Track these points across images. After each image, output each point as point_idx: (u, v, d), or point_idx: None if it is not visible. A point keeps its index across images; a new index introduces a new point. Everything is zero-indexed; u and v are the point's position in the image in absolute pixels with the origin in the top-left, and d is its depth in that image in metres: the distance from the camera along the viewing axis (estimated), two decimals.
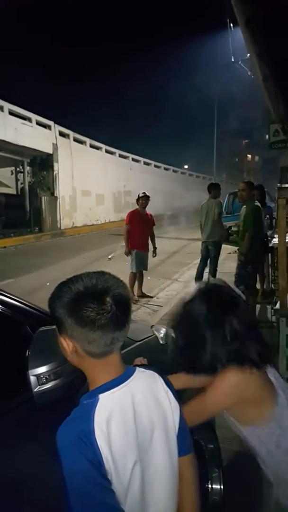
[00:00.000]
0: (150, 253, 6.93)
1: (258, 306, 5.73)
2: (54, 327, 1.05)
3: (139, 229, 6.71)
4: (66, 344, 1.02)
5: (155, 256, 7.04)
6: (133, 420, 1.03)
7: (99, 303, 0.97)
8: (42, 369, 1.27)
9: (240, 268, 5.25)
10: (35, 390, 1.26)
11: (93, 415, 0.97)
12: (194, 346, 1.38)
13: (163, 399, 1.12)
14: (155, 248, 6.95)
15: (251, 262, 5.25)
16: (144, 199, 6.80)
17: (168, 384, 1.17)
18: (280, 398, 1.42)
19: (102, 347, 0.99)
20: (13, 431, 1.23)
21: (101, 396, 1.01)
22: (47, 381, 1.27)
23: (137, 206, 6.95)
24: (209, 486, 2.05)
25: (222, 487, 2.06)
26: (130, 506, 1.01)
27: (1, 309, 1.42)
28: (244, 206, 5.43)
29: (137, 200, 6.92)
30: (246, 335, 1.37)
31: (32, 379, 1.25)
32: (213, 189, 6.94)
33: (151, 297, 6.81)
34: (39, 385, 1.26)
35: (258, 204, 5.49)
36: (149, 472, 1.05)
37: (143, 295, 6.80)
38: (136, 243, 6.67)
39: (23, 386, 1.29)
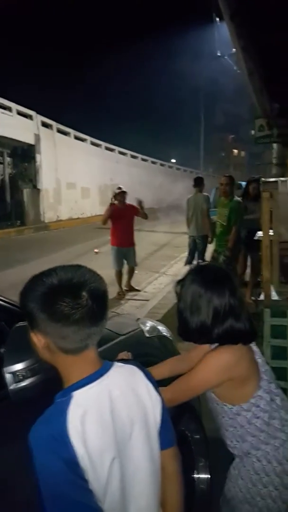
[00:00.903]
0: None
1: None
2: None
3: (119, 224, 6.46)
4: (37, 340, 0.99)
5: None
6: (110, 416, 1.00)
7: (74, 297, 0.94)
8: (18, 366, 1.23)
9: (226, 264, 5.25)
10: (11, 387, 1.22)
11: (66, 413, 0.94)
12: (185, 313, 1.43)
13: (143, 393, 1.10)
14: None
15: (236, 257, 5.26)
16: (120, 196, 6.49)
17: (149, 377, 1.15)
18: (262, 382, 1.45)
19: (76, 342, 0.96)
20: None
21: (74, 393, 0.98)
22: (23, 379, 1.24)
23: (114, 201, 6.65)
24: (196, 476, 2.07)
25: (209, 476, 2.07)
26: (109, 504, 0.98)
27: None
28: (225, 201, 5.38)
29: (114, 196, 6.62)
30: (238, 310, 1.40)
31: (8, 376, 1.22)
32: (198, 182, 6.95)
33: (139, 290, 6.75)
34: (15, 382, 1.23)
35: (239, 199, 5.48)
36: (129, 468, 1.04)
37: (131, 289, 6.70)
38: (115, 240, 6.48)
39: None
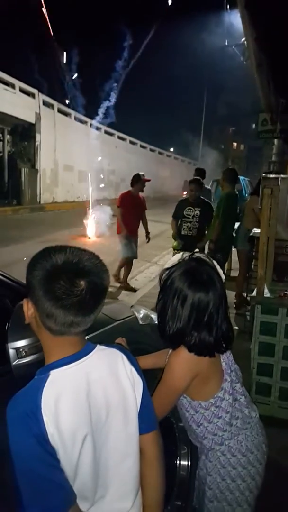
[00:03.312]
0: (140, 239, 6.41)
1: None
2: None
3: (131, 213, 6.15)
4: (27, 307, 1.02)
5: (148, 241, 6.50)
6: (86, 398, 1.00)
7: (71, 283, 0.94)
8: (22, 343, 1.25)
9: (210, 257, 5.26)
10: (14, 363, 1.25)
11: (41, 391, 0.96)
12: (164, 314, 1.38)
13: (123, 377, 1.10)
14: (148, 233, 6.43)
15: (220, 250, 5.25)
16: (143, 184, 6.07)
17: (132, 361, 1.15)
18: (225, 383, 1.44)
19: (58, 325, 0.96)
20: None
21: (52, 372, 0.99)
22: (26, 355, 1.26)
23: (130, 188, 6.24)
24: (177, 462, 2.11)
25: (189, 463, 2.13)
26: (80, 484, 1.00)
27: None
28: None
29: (135, 181, 6.14)
30: (216, 322, 1.35)
31: (11, 352, 1.24)
32: (200, 174, 6.92)
33: (135, 291, 6.26)
34: (18, 358, 1.25)
35: (236, 192, 5.47)
36: (103, 450, 1.04)
37: (127, 287, 6.30)
38: (129, 228, 6.11)
39: (0, 359, 1.27)
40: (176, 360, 1.38)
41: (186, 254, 1.44)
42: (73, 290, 0.93)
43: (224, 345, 1.40)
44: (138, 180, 6.12)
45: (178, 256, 1.46)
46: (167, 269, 1.42)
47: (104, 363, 1.08)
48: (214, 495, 1.51)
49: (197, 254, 1.45)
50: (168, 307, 1.36)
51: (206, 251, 5.36)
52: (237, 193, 5.53)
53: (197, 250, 1.50)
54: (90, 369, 1.03)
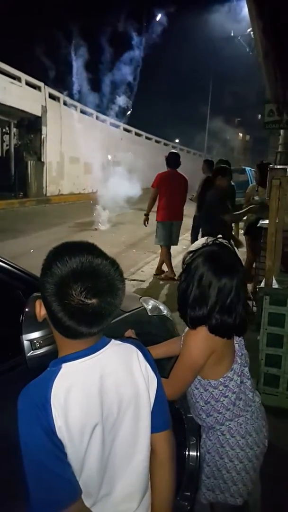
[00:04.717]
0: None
1: None
2: None
3: (169, 194, 5.76)
4: (39, 309, 1.01)
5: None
6: (98, 392, 0.99)
7: (84, 296, 0.91)
8: (36, 335, 1.27)
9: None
10: (28, 354, 1.26)
11: (52, 383, 0.95)
12: (187, 297, 1.42)
13: (138, 373, 1.08)
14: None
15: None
16: (175, 158, 5.77)
17: (148, 357, 1.13)
18: (235, 364, 1.49)
19: (71, 334, 0.96)
20: (4, 393, 1.24)
21: (64, 365, 0.99)
22: (40, 347, 1.28)
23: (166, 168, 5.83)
24: (186, 453, 2.14)
25: (198, 454, 2.15)
26: (85, 479, 0.99)
27: None
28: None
29: (168, 158, 5.81)
30: (236, 306, 1.40)
31: (26, 343, 1.26)
32: (209, 165, 6.96)
33: (174, 279, 5.95)
34: (32, 350, 1.27)
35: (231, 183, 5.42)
36: (112, 447, 1.03)
37: (162, 274, 6.08)
38: (163, 212, 5.81)
39: (15, 350, 1.29)
40: (194, 337, 1.42)
41: (210, 239, 1.48)
42: (87, 304, 0.91)
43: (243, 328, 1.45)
44: (168, 157, 5.82)
45: (202, 240, 1.49)
46: (191, 252, 1.45)
47: (118, 358, 1.06)
48: (211, 472, 1.55)
49: (219, 239, 1.48)
50: (192, 291, 1.40)
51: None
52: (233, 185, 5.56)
53: (220, 235, 1.52)
54: (103, 363, 1.02)
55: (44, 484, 0.93)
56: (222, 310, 1.38)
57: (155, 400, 1.11)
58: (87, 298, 0.91)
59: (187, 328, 1.47)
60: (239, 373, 1.50)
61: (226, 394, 1.48)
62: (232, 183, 5.86)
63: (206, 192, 5.02)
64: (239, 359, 1.51)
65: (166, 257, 6.11)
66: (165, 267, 6.33)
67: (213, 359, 1.44)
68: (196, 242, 1.50)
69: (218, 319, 1.38)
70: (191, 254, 1.45)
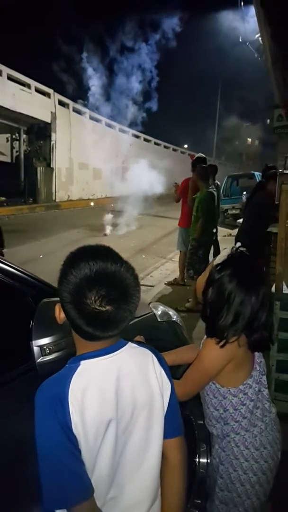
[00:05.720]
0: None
1: None
2: (56, 299, 1.03)
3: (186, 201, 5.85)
4: (59, 312, 1.03)
5: None
6: (114, 392, 1.00)
7: (99, 302, 0.94)
8: (46, 341, 1.27)
9: (191, 253, 5.26)
10: (38, 360, 1.27)
11: (70, 380, 0.97)
12: (217, 311, 1.40)
13: (152, 377, 1.08)
14: None
15: (203, 248, 5.27)
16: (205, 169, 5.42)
17: (162, 363, 1.13)
18: (254, 372, 1.48)
19: (85, 335, 0.98)
20: (15, 398, 1.24)
21: (83, 362, 1.00)
22: (50, 352, 1.28)
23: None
24: (197, 460, 2.13)
25: (208, 461, 2.13)
26: (95, 479, 0.98)
27: (5, 279, 1.41)
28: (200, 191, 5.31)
29: (194, 164, 5.67)
30: (259, 319, 1.39)
31: (36, 349, 1.26)
32: (214, 171, 6.90)
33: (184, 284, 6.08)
34: (42, 356, 1.27)
35: (212, 190, 5.37)
36: (124, 449, 1.03)
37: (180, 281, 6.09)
38: (187, 219, 5.82)
39: (25, 356, 1.29)
40: (214, 342, 1.40)
41: (235, 248, 1.47)
42: (102, 311, 0.93)
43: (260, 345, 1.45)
44: (195, 164, 5.68)
45: (227, 251, 1.48)
46: (218, 265, 1.43)
47: (134, 361, 1.07)
48: (225, 484, 1.53)
49: (241, 249, 1.47)
50: (224, 306, 1.38)
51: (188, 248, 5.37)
52: (214, 191, 5.47)
53: (239, 244, 1.51)
54: (120, 364, 1.02)
55: (57, 479, 0.93)
56: (258, 325, 1.38)
57: (168, 406, 1.11)
58: (102, 306, 0.93)
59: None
60: (258, 381, 1.49)
61: (244, 402, 1.47)
62: (215, 187, 5.80)
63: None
64: (258, 366, 1.50)
65: (182, 262, 6.17)
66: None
67: (233, 365, 1.43)
68: (222, 253, 1.49)
69: (258, 336, 1.39)
70: (218, 268, 1.43)
